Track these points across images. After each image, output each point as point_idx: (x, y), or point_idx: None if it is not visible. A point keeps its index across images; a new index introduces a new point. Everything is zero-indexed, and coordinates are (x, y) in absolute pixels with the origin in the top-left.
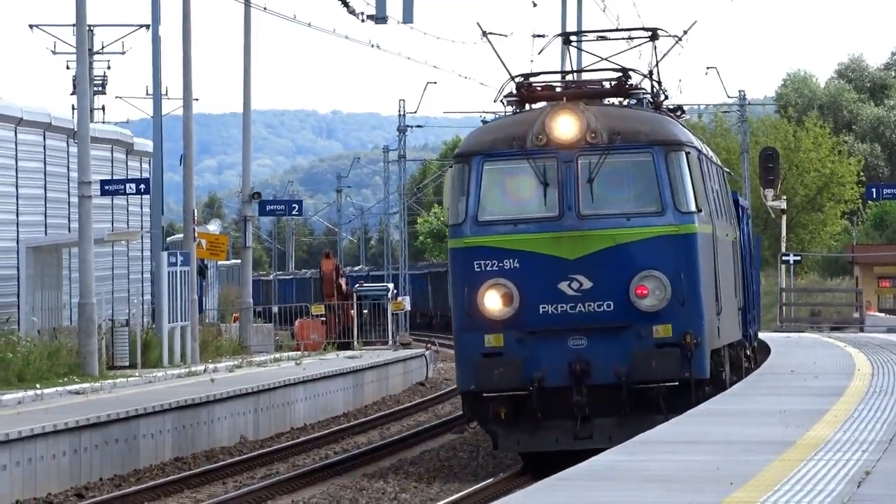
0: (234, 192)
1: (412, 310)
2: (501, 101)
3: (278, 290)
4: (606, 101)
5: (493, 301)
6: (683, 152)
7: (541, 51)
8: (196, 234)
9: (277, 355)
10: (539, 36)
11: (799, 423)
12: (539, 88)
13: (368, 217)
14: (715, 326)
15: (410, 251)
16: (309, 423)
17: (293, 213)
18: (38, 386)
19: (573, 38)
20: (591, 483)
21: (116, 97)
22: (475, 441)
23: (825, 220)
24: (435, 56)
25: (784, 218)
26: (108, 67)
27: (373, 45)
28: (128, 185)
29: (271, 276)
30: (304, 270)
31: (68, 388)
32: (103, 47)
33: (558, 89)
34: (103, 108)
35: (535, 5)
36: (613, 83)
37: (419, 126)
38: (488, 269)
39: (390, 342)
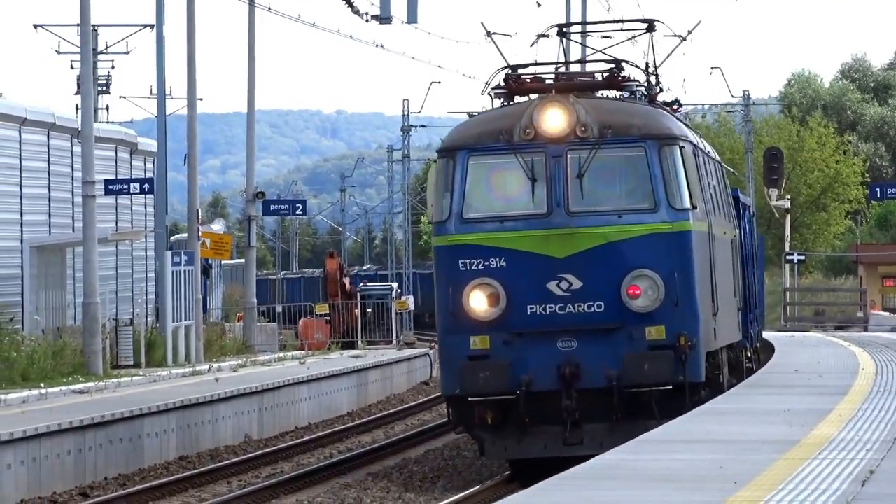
0: (238, 191)
1: (418, 309)
2: (489, 93)
3: (286, 289)
4: (599, 94)
5: (478, 301)
6: (677, 146)
7: (533, 43)
8: (200, 234)
9: (281, 354)
10: (543, 36)
11: (803, 423)
12: (528, 80)
13: (372, 217)
14: (711, 328)
15: (414, 250)
16: (313, 423)
17: (297, 212)
18: (42, 385)
19: (568, 29)
20: (595, 482)
21: (120, 97)
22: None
23: (829, 220)
24: (439, 56)
25: (788, 217)
26: (113, 67)
27: (377, 45)
28: (132, 185)
29: (279, 276)
30: (311, 270)
31: (72, 387)
32: (107, 47)
33: (548, 81)
34: (107, 108)
35: (539, 5)
36: (605, 75)
37: (423, 126)
38: (474, 268)
39: (394, 342)
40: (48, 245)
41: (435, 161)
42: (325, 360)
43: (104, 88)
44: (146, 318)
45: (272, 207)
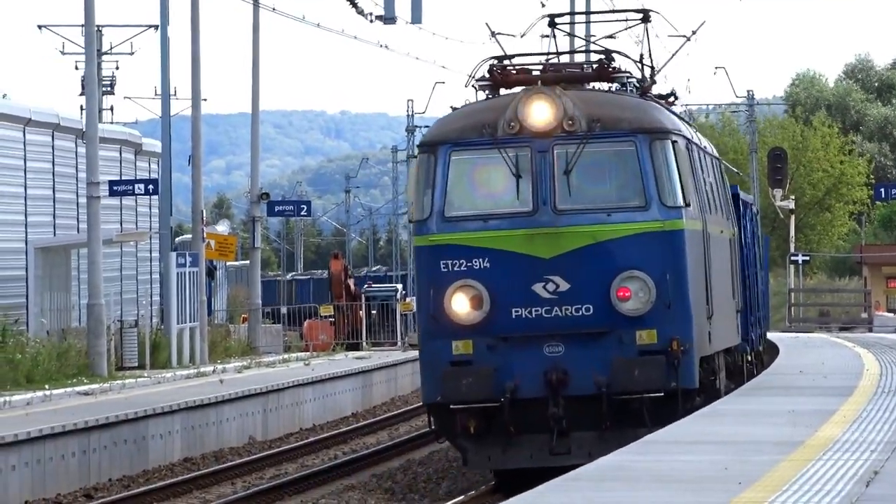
0: (243, 192)
1: None
2: (473, 85)
3: (295, 290)
4: (590, 86)
5: (461, 304)
6: (669, 141)
7: (524, 33)
8: (205, 235)
9: (286, 356)
10: (545, 37)
11: (807, 423)
12: (514, 72)
13: (377, 217)
14: (706, 331)
15: None
16: (318, 424)
17: (302, 213)
18: (46, 387)
19: (559, 19)
20: (601, 483)
21: (125, 97)
22: None
23: (833, 221)
24: (443, 56)
25: (792, 218)
26: (117, 68)
27: (381, 46)
28: (136, 186)
29: (288, 276)
30: (320, 271)
31: (77, 388)
32: (112, 48)
33: (536, 73)
34: (112, 109)
35: (543, 5)
36: (595, 66)
37: (427, 126)
38: (456, 269)
39: (399, 343)
40: (53, 246)
41: (415, 156)
42: (330, 361)
43: (108, 89)
44: (151, 319)
45: (277, 208)
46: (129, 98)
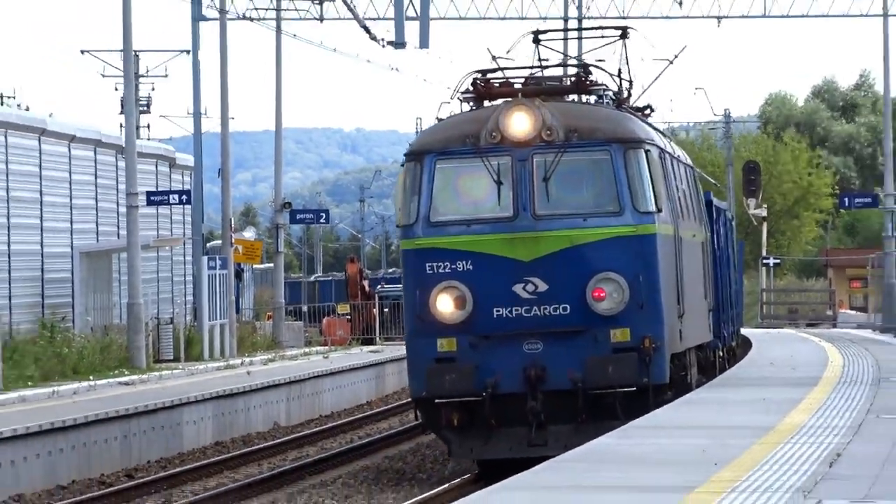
0: (268, 202)
1: None
2: (458, 97)
3: (319, 290)
4: (568, 98)
5: (445, 304)
6: (643, 150)
7: (509, 50)
8: (233, 241)
9: (307, 350)
10: (543, 60)
11: (778, 410)
12: (497, 85)
13: (389, 224)
14: (677, 329)
15: None
16: (335, 411)
17: (321, 221)
18: (91, 378)
19: (543, 36)
20: (591, 465)
21: (160, 116)
22: None
23: (802, 227)
24: (449, 78)
25: (765, 225)
26: (153, 89)
27: (392, 69)
28: (171, 196)
29: (312, 278)
30: (340, 273)
31: (118, 379)
32: (148, 71)
33: (517, 85)
34: (148, 126)
35: (541, 32)
36: (573, 79)
37: None
38: (440, 271)
39: None
40: (96, 251)
41: (402, 164)
42: (347, 354)
43: (145, 109)
44: (185, 316)
45: (298, 216)
46: (164, 117)
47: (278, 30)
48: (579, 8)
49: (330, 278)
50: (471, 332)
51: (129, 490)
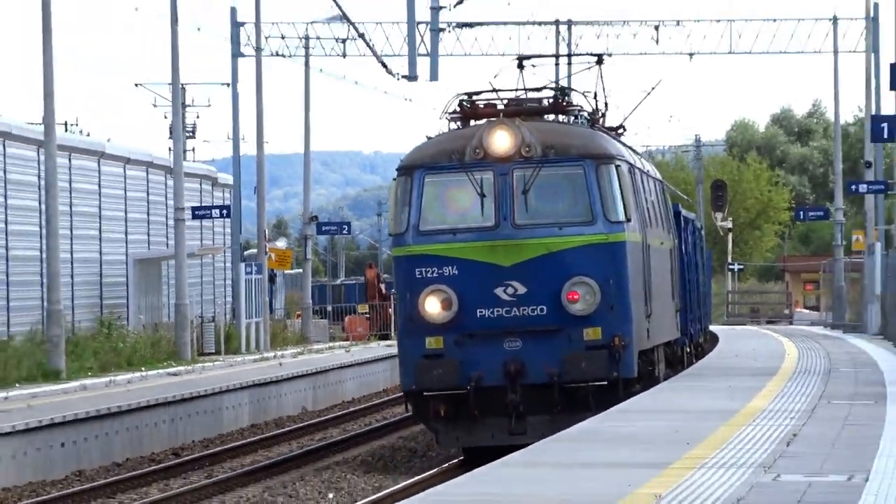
0: (297, 215)
1: None
2: (446, 117)
3: (344, 292)
4: (548, 118)
5: (433, 306)
6: (613, 165)
7: (496, 75)
8: (267, 249)
9: (331, 345)
10: (536, 89)
11: (742, 397)
12: (482, 106)
13: None
14: (644, 328)
15: None
16: (356, 398)
17: (343, 232)
18: (143, 369)
19: (527, 61)
20: (579, 444)
21: (204, 141)
22: None
23: (762, 237)
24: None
25: (730, 235)
26: (198, 117)
27: (406, 99)
28: (213, 211)
29: (337, 281)
30: (361, 278)
31: (167, 370)
32: (193, 101)
33: (500, 106)
34: (193, 150)
35: (533, 66)
36: (550, 101)
37: None
38: (429, 275)
39: None
40: (147, 258)
41: (395, 179)
42: (366, 348)
43: (191, 134)
44: (224, 315)
45: (323, 228)
46: (207, 141)
47: (307, 65)
48: (569, 45)
49: (354, 282)
50: (456, 331)
51: (176, 466)
